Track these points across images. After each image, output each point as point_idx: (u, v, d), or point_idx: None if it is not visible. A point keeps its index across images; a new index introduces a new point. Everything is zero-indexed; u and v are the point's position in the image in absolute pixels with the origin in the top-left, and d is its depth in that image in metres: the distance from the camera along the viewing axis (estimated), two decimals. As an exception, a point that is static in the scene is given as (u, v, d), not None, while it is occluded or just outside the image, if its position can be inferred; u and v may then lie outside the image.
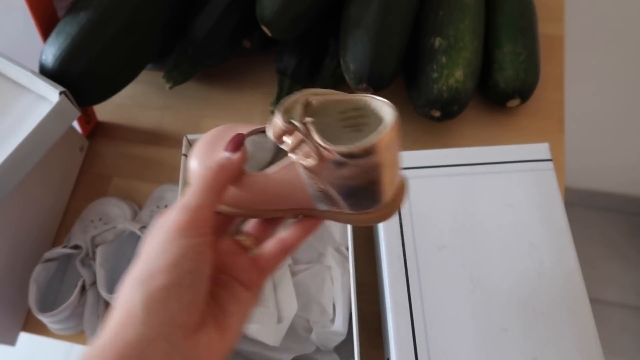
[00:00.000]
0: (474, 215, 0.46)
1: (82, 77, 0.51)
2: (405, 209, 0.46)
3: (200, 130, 0.64)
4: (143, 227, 0.52)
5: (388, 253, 0.44)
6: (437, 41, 0.56)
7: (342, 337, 0.47)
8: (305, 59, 0.61)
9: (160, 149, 0.63)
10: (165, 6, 0.55)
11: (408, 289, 0.43)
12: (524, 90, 0.59)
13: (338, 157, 0.26)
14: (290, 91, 0.62)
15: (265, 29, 0.55)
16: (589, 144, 1.29)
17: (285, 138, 0.27)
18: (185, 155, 0.52)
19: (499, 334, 0.41)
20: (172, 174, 0.60)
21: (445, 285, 0.43)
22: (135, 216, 0.56)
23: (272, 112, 0.62)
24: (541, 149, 0.49)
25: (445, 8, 0.57)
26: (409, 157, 0.48)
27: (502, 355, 0.40)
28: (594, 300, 1.39)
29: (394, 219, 0.46)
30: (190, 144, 0.53)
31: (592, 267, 1.43)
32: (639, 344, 1.33)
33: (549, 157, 0.48)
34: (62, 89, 0.48)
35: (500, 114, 0.62)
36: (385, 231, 0.45)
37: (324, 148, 0.26)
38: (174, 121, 0.66)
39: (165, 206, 0.57)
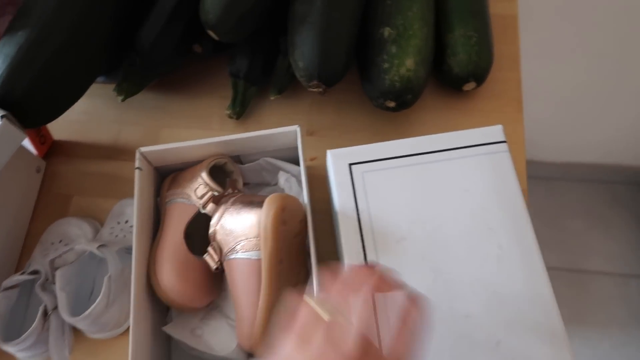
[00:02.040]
0: (432, 204, 0.45)
1: (25, 98, 0.50)
2: (362, 203, 0.46)
3: (159, 141, 0.63)
4: (102, 246, 0.51)
5: (348, 250, 0.44)
6: (387, 31, 0.55)
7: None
8: (258, 59, 0.60)
9: (119, 164, 0.62)
10: (107, 19, 0.54)
11: None
12: (478, 73, 0.58)
13: None
14: (245, 93, 0.61)
15: (211, 33, 0.54)
16: (564, 118, 1.29)
17: None
18: (140, 169, 0.51)
19: (462, 320, 0.41)
20: (133, 188, 0.59)
21: (406, 277, 0.43)
22: (96, 234, 0.55)
23: (229, 117, 0.62)
24: (495, 131, 0.48)
25: (392, -3, 0.56)
26: (363, 152, 0.48)
27: (466, 341, 0.40)
28: (580, 271, 1.41)
29: (352, 214, 0.45)
30: (144, 157, 0.52)
31: (577, 238, 1.44)
32: (627, 311, 1.35)
33: (502, 139, 0.48)
34: (3, 112, 0.46)
35: (458, 98, 0.62)
36: (343, 228, 0.45)
37: None
38: (132, 134, 0.65)
39: (126, 222, 0.56)
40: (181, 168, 0.55)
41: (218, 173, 0.54)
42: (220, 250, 0.48)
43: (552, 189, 1.51)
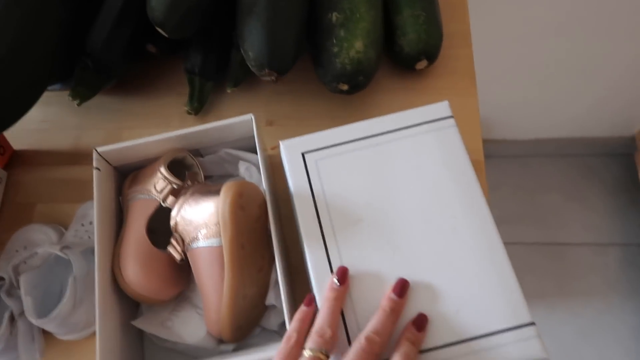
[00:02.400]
0: (386, 184, 0.46)
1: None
2: (318, 190, 0.46)
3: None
4: (65, 248, 0.51)
5: (307, 235, 0.45)
6: (334, 16, 0.56)
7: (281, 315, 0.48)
8: (211, 54, 0.61)
9: (81, 168, 0.62)
10: (53, 26, 0.54)
11: (330, 268, 0.44)
12: (429, 51, 0.60)
13: None
14: (201, 89, 0.62)
15: (159, 30, 0.55)
16: (533, 95, 1.31)
17: None
18: (98, 169, 0.51)
19: (423, 292, 0.42)
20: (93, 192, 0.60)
21: (365, 257, 0.44)
22: (61, 239, 0.55)
23: (188, 113, 0.62)
24: (442, 108, 0.49)
25: (338, -18, 0.57)
26: (315, 139, 0.49)
27: (427, 312, 0.41)
28: (560, 244, 1.43)
29: (309, 202, 0.46)
30: (102, 157, 0.52)
31: (555, 212, 1.47)
32: (606, 279, 1.38)
33: (449, 114, 0.49)
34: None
35: (412, 77, 0.63)
36: (301, 215, 0.46)
37: None
38: (93, 137, 0.65)
39: (90, 223, 0.56)
40: (142, 166, 0.55)
41: (178, 168, 0.55)
42: (183, 240, 0.48)
43: (527, 166, 1.53)
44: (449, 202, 0.45)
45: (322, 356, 0.37)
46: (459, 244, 0.43)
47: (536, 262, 1.41)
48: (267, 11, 0.53)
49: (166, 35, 0.55)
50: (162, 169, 0.51)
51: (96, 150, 0.52)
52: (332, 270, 0.43)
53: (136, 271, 0.48)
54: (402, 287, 0.41)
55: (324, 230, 0.45)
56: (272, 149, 0.61)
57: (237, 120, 0.51)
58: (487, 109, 1.38)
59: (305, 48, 0.60)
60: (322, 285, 0.43)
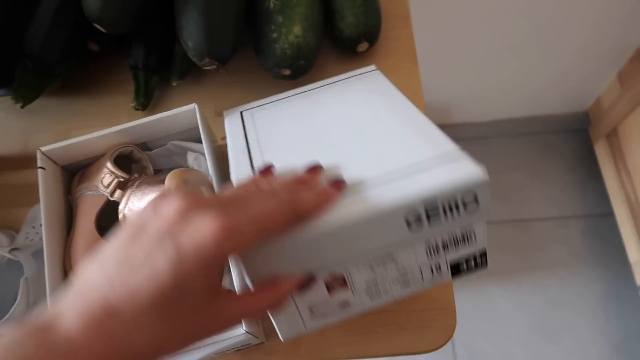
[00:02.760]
0: (318, 125, 0.45)
1: None
2: (253, 140, 0.46)
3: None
4: (15, 250, 0.51)
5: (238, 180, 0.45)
6: (272, 3, 0.57)
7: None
8: (154, 48, 0.61)
9: (30, 172, 0.61)
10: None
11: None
12: (368, 33, 0.61)
13: None
14: (147, 84, 0.62)
15: (97, 26, 0.55)
16: (488, 77, 1.34)
17: None
18: (43, 168, 0.51)
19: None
20: (45, 193, 0.59)
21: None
22: (12, 243, 0.55)
23: (135, 109, 0.62)
24: (369, 68, 0.54)
25: (273, -30, 0.58)
26: (254, 103, 0.52)
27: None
28: (524, 220, 1.47)
29: (243, 151, 0.44)
30: (46, 156, 0.52)
31: (517, 190, 1.50)
32: (569, 251, 1.42)
33: (374, 69, 0.54)
34: None
35: (355, 60, 0.65)
36: (235, 164, 0.43)
37: None
38: (42, 140, 0.64)
39: (41, 225, 0.56)
40: (90, 164, 0.55)
41: (127, 162, 0.55)
42: None
43: (488, 147, 1.57)
44: (376, 111, 0.43)
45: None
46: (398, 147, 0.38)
47: (503, 239, 1.44)
48: (203, 0, 0.53)
49: (104, 31, 0.55)
50: (108, 164, 0.51)
51: (40, 150, 0.51)
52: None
53: None
54: (314, 169, 0.36)
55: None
56: (222, 139, 0.62)
57: (181, 110, 0.51)
58: (445, 94, 1.41)
59: (247, 36, 0.61)
60: None
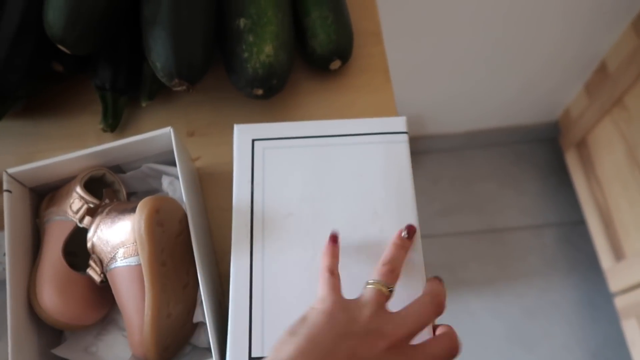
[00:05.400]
0: (324, 185, 0.47)
1: None
2: (258, 177, 0.47)
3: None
4: (-25, 283, 0.48)
5: (236, 220, 0.45)
6: (242, 22, 0.56)
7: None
8: (121, 68, 0.60)
9: (-8, 197, 0.59)
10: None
11: (251, 256, 0.44)
12: (341, 51, 0.61)
13: None
14: (115, 105, 0.60)
15: (61, 47, 0.53)
16: (457, 90, 1.36)
17: None
18: (9, 191, 0.49)
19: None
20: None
21: (287, 252, 0.44)
22: (-28, 273, 0.52)
23: (103, 130, 0.60)
24: (398, 122, 0.50)
25: (243, -12, 0.57)
26: (269, 129, 0.49)
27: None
28: (499, 230, 1.49)
29: (246, 186, 0.46)
30: (14, 178, 0.50)
31: (491, 200, 1.52)
32: (544, 259, 1.44)
33: (404, 129, 0.49)
34: None
35: (328, 78, 0.64)
36: (236, 199, 0.46)
37: None
38: (4, 164, 0.61)
39: (4, 254, 0.53)
40: (60, 186, 0.53)
41: (98, 186, 0.53)
42: (101, 261, 0.47)
43: (462, 158, 1.58)
44: (381, 215, 0.45)
45: (384, 290, 0.37)
46: (378, 258, 0.43)
47: (479, 249, 1.46)
48: (169, 20, 0.52)
49: (68, 52, 0.54)
50: (78, 188, 0.50)
51: (7, 172, 0.49)
52: (251, 259, 0.43)
53: (52, 297, 0.46)
54: (411, 231, 0.43)
55: (254, 217, 0.45)
56: (195, 160, 0.60)
57: (156, 134, 0.50)
58: (418, 107, 1.42)
59: (217, 55, 0.60)
60: (239, 272, 0.43)
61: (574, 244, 1.44)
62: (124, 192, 0.54)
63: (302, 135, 0.49)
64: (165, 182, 0.54)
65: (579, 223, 1.45)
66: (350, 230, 0.45)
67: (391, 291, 0.38)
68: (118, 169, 0.55)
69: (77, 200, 0.50)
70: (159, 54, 0.52)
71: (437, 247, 1.46)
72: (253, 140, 0.49)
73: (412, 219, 0.45)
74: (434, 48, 1.18)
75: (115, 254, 0.45)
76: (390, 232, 0.44)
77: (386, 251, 0.41)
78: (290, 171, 0.47)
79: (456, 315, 1.36)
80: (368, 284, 0.39)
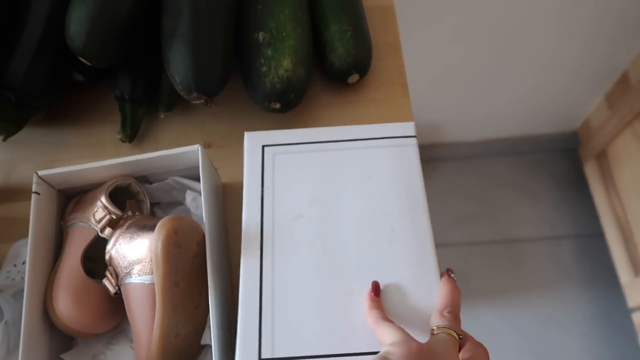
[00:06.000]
0: (334, 187, 0.47)
1: None
2: (268, 181, 0.48)
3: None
4: (-6, 292, 0.49)
5: (247, 221, 0.46)
6: (261, 36, 0.56)
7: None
8: (140, 79, 0.60)
9: (12, 205, 0.60)
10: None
11: (261, 255, 0.44)
12: (359, 65, 0.60)
13: None
14: (133, 116, 0.61)
15: (82, 59, 0.54)
16: (476, 97, 1.35)
17: None
18: (37, 193, 0.50)
19: (344, 297, 0.42)
20: (27, 229, 0.57)
21: (297, 252, 0.44)
22: (-8, 281, 0.53)
23: (122, 141, 0.61)
24: (406, 127, 0.50)
25: (263, 2, 0.58)
26: (278, 135, 0.50)
27: (345, 317, 0.41)
28: (514, 241, 1.47)
29: (256, 189, 0.47)
30: (44, 180, 0.51)
31: (506, 210, 1.50)
32: (560, 271, 1.42)
33: (413, 134, 0.50)
34: None
35: (346, 91, 0.64)
36: (246, 201, 0.47)
37: None
38: (24, 173, 0.63)
39: (23, 263, 0.54)
40: (88, 190, 0.54)
41: (123, 194, 0.54)
42: (117, 274, 0.47)
43: (479, 167, 1.57)
44: (392, 215, 0.45)
45: (456, 336, 0.38)
46: (392, 258, 0.44)
47: (494, 259, 1.44)
48: (189, 34, 0.52)
49: (89, 64, 0.54)
50: (103, 198, 0.50)
51: (37, 174, 0.50)
52: (261, 258, 0.44)
53: (67, 305, 0.46)
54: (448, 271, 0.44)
55: (264, 218, 0.46)
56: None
57: (185, 150, 0.50)
58: (435, 114, 1.41)
59: (235, 67, 0.60)
60: (248, 271, 0.43)
61: (591, 256, 1.42)
62: (148, 203, 0.55)
63: (311, 140, 0.50)
64: (189, 197, 0.54)
65: (597, 235, 1.42)
66: (360, 229, 0.45)
67: (461, 338, 0.38)
68: (144, 179, 0.56)
69: (100, 210, 0.50)
70: (178, 67, 0.53)
71: (451, 256, 1.45)
72: (263, 147, 0.50)
73: (424, 219, 0.45)
74: (453, 56, 1.17)
75: (131, 269, 0.45)
76: (401, 232, 0.44)
77: (443, 294, 0.41)
78: (300, 175, 0.48)
79: (470, 325, 1.34)
80: (438, 329, 0.38)
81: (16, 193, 0.61)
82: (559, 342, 1.33)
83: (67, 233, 0.52)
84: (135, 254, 0.45)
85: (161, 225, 0.43)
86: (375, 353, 0.38)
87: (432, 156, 1.57)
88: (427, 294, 0.42)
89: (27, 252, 0.47)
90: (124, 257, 0.46)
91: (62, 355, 0.48)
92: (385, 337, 0.38)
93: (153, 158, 0.50)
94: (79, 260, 0.49)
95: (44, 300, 0.48)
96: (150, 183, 0.56)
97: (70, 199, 0.55)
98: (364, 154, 0.49)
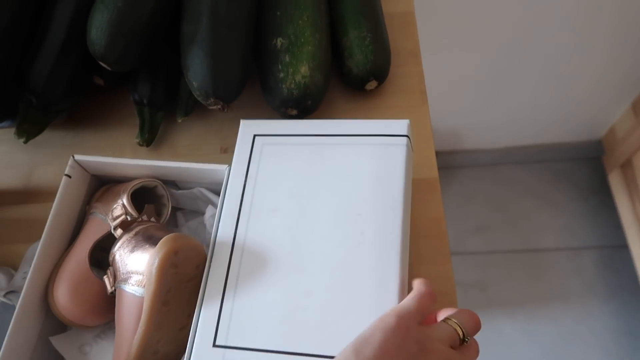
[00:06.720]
0: (314, 183, 0.46)
1: None
2: (253, 172, 0.48)
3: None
4: (11, 293, 0.49)
5: (225, 210, 0.46)
6: (279, 41, 0.56)
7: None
8: (159, 84, 0.60)
9: (33, 207, 0.61)
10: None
11: (232, 246, 0.45)
12: (377, 72, 0.60)
13: None
14: (152, 120, 0.61)
15: (102, 63, 0.54)
16: (497, 104, 1.33)
17: None
18: (69, 176, 0.51)
19: (302, 296, 0.41)
20: (46, 230, 0.58)
21: (266, 246, 0.44)
22: (10, 282, 0.54)
23: (139, 144, 0.61)
24: (399, 125, 0.48)
25: (282, 7, 0.57)
26: (271, 125, 0.50)
27: (301, 316, 0.41)
28: (535, 251, 1.45)
29: (240, 179, 0.48)
30: (79, 164, 0.53)
31: (527, 219, 1.48)
32: (582, 283, 1.38)
33: (405, 132, 0.47)
34: None
35: (364, 97, 0.63)
36: (229, 190, 0.47)
37: None
38: (45, 174, 0.63)
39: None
40: (120, 180, 0.55)
41: (148, 195, 0.55)
42: (115, 277, 0.47)
43: (499, 174, 1.54)
44: (365, 217, 0.44)
45: (460, 334, 0.37)
46: (357, 261, 0.42)
47: (513, 270, 1.41)
48: (208, 39, 0.52)
49: (109, 69, 0.55)
50: (124, 197, 0.51)
51: (73, 157, 0.52)
52: (232, 251, 0.45)
53: (66, 294, 0.48)
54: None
55: (242, 209, 0.46)
56: (225, 151, 0.61)
57: (212, 167, 0.51)
58: (456, 120, 1.39)
59: (253, 72, 0.60)
60: (218, 261, 0.44)
61: (614, 268, 1.38)
62: (169, 209, 0.55)
63: (303, 133, 0.49)
64: (208, 213, 0.54)
65: (621, 247, 1.38)
66: (331, 229, 0.44)
67: (465, 341, 0.38)
68: (173, 183, 0.57)
69: (119, 207, 0.51)
70: (196, 73, 0.53)
71: (469, 265, 1.43)
72: (254, 136, 0.50)
73: (396, 225, 0.43)
74: (476, 61, 1.16)
75: (129, 278, 0.46)
76: (370, 236, 0.43)
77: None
78: (283, 168, 0.48)
79: (487, 337, 1.32)
80: (449, 319, 0.38)
81: (36, 195, 0.62)
82: (580, 357, 1.29)
83: (87, 219, 0.53)
84: (135, 264, 0.45)
85: (162, 244, 0.43)
86: (328, 357, 0.38)
87: (451, 163, 1.55)
88: (383, 303, 0.40)
89: (44, 233, 0.49)
90: (125, 264, 0.46)
91: (50, 338, 0.49)
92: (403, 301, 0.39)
93: (182, 168, 0.52)
94: (88, 252, 0.50)
95: (46, 283, 0.50)
96: (178, 188, 0.57)
97: (103, 184, 0.57)
98: (350, 151, 0.47)
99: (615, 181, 1.39)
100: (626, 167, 1.33)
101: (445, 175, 1.53)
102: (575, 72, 1.21)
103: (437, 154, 1.38)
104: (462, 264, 1.42)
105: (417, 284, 0.40)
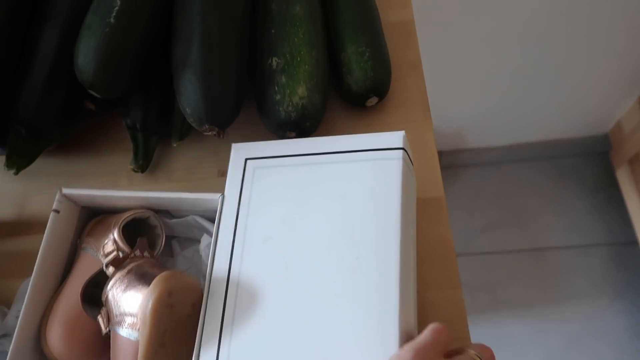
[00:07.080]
0: (307, 206, 0.44)
1: None
2: (245, 198, 0.46)
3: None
4: (3, 337, 0.48)
5: (220, 242, 0.45)
6: (274, 61, 0.54)
7: None
8: (152, 108, 0.58)
9: (26, 239, 0.59)
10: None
11: (228, 279, 0.43)
12: (377, 88, 0.58)
13: None
14: (146, 145, 0.59)
15: (91, 92, 0.52)
16: (501, 101, 1.31)
17: None
18: (57, 212, 0.50)
19: (296, 329, 0.39)
20: (40, 263, 0.56)
21: (261, 277, 0.42)
22: (3, 320, 0.52)
23: (134, 170, 0.59)
24: (394, 138, 0.45)
25: (276, 26, 0.55)
26: (262, 148, 0.48)
27: (298, 350, 0.38)
28: (542, 249, 1.43)
29: (233, 207, 0.46)
30: (67, 198, 0.51)
31: (533, 218, 1.45)
32: (591, 282, 1.36)
33: (400, 145, 0.44)
34: None
35: (364, 114, 0.61)
36: (224, 221, 0.45)
37: None
38: (38, 204, 0.62)
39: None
40: (111, 212, 0.53)
41: (141, 226, 0.53)
42: (109, 317, 0.46)
43: (504, 172, 1.52)
44: (360, 241, 0.41)
45: None
46: (353, 289, 0.40)
47: (521, 269, 1.39)
48: (200, 63, 0.50)
49: (98, 97, 0.53)
50: (115, 231, 0.49)
51: (60, 191, 0.50)
52: (227, 284, 0.43)
53: (59, 337, 0.46)
54: None
55: (236, 239, 0.44)
56: (223, 174, 0.59)
57: (206, 197, 0.48)
58: (459, 119, 1.37)
59: (249, 93, 0.57)
60: (214, 298, 0.42)
61: (624, 266, 1.36)
62: (163, 239, 0.53)
63: (295, 153, 0.47)
64: (204, 243, 0.52)
65: (631, 244, 1.36)
66: (325, 255, 0.41)
67: None
68: (166, 212, 0.55)
69: (110, 243, 0.49)
70: (189, 99, 0.51)
71: (476, 265, 1.41)
72: (246, 160, 0.48)
73: (393, 247, 0.40)
74: (479, 57, 1.13)
75: (122, 320, 0.44)
76: (365, 261, 0.40)
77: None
78: (275, 193, 0.45)
79: (495, 339, 1.30)
80: (467, 350, 0.36)
81: (30, 226, 0.60)
82: (590, 357, 1.27)
83: (78, 255, 0.51)
84: (128, 306, 0.44)
85: (155, 284, 0.41)
86: None
87: (455, 162, 1.53)
88: (379, 336, 0.37)
89: (34, 271, 0.47)
90: (118, 305, 0.45)
91: None
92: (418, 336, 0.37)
93: (175, 198, 0.50)
94: (80, 291, 0.48)
95: (39, 324, 0.48)
96: (172, 216, 0.55)
97: (94, 214, 0.55)
98: (343, 169, 0.44)
99: (623, 177, 1.36)
100: (634, 162, 1.31)
101: (449, 175, 1.51)
102: (580, 66, 1.18)
103: (441, 153, 1.36)
104: (468, 265, 1.40)
105: (431, 325, 0.38)
